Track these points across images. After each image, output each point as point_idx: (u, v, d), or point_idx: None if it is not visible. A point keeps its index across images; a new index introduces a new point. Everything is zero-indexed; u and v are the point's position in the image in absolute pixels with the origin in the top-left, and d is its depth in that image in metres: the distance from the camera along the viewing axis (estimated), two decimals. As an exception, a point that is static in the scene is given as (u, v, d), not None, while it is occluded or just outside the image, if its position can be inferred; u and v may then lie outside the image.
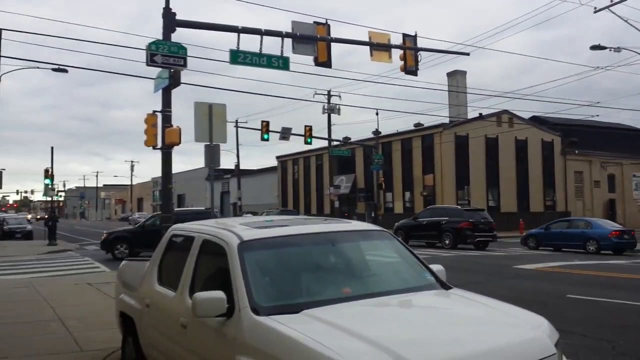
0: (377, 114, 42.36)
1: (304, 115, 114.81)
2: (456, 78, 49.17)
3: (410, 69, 18.52)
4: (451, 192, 44.21)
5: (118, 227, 32.86)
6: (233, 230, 4.66)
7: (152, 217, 24.40)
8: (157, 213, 27.35)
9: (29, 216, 66.02)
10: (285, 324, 3.57)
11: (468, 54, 21.84)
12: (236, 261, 4.25)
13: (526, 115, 47.91)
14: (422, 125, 48.15)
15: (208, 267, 4.90)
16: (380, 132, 45.98)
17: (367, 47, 17.94)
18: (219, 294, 3.99)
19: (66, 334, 8.32)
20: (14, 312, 9.98)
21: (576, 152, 51.44)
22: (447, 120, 46.68)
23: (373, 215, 42.02)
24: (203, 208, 28.38)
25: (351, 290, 4.30)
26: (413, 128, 48.54)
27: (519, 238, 30.39)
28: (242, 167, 58.77)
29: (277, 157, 66.81)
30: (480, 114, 46.09)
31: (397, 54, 18.79)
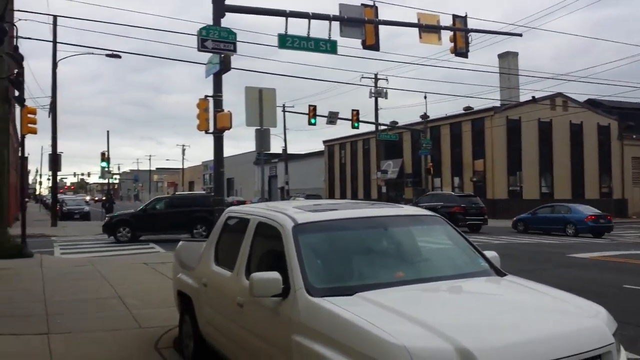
0: (425, 97, 41.86)
1: (351, 99, 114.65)
2: (507, 60, 47.88)
3: (461, 50, 18.16)
4: (502, 178, 43.32)
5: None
6: (287, 213, 4.76)
7: (153, 201, 24.75)
8: (158, 197, 27.75)
9: (88, 198, 68.59)
10: (340, 306, 3.65)
11: (520, 35, 21.24)
12: (291, 243, 4.34)
13: (581, 98, 46.34)
14: (472, 108, 47.18)
15: (263, 248, 5.04)
16: (428, 116, 45.37)
17: (416, 29, 17.70)
18: (275, 275, 4.10)
19: (125, 311, 8.69)
20: (77, 290, 10.49)
21: (634, 136, 49.36)
22: (498, 104, 45.58)
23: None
24: (204, 192, 29.02)
25: (404, 274, 4.34)
26: (463, 112, 47.63)
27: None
28: (289, 151, 59.23)
29: (324, 142, 66.94)
30: (533, 97, 44.76)
31: (446, 35, 18.48)
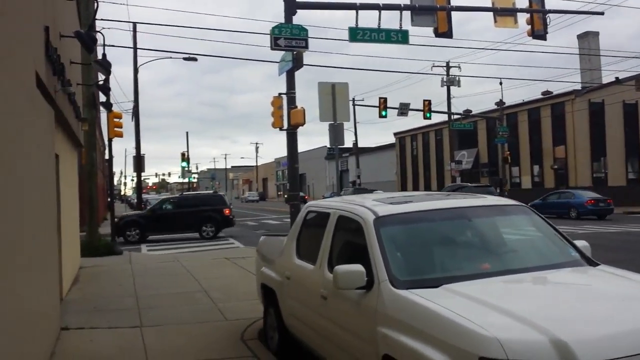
0: (500, 83, 40.38)
1: (422, 89, 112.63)
2: (587, 40, 45.45)
3: (539, 33, 17.42)
4: (585, 165, 41.26)
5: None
6: (368, 206, 4.77)
7: (161, 201, 24.78)
8: (165, 198, 27.65)
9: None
10: (427, 298, 3.62)
11: (602, 13, 20.05)
12: (373, 236, 4.35)
13: (671, 76, 43.13)
14: (551, 93, 45.17)
15: (344, 241, 5.08)
16: (504, 103, 43.85)
17: (490, 13, 17.14)
18: (359, 268, 4.13)
19: (211, 304, 9.02)
20: (165, 284, 10.99)
21: None
22: (578, 87, 43.38)
23: (499, 190, 40.42)
24: (211, 192, 29.13)
25: (490, 266, 4.25)
26: (541, 96, 45.69)
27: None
28: (359, 145, 59.13)
29: (395, 134, 66.31)
30: (617, 78, 42.15)
31: (522, 18, 17.78)
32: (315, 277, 5.16)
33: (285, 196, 70.95)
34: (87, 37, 6.55)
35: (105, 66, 7.69)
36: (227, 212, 23.17)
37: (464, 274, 4.05)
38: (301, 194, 64.00)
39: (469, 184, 33.49)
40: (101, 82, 10.73)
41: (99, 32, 7.03)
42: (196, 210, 22.65)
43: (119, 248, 16.87)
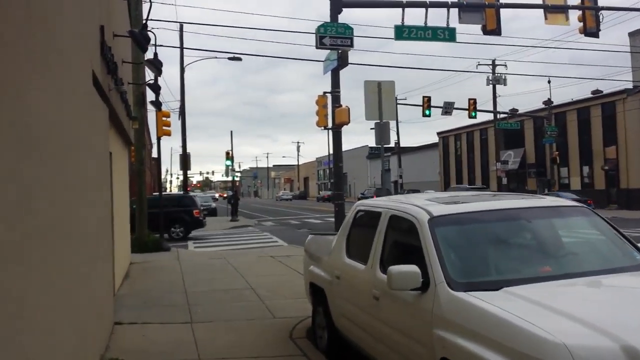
0: (549, 82, 39.37)
1: (466, 88, 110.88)
2: (639, 38, 43.71)
3: (591, 30, 16.86)
4: (638, 166, 39.70)
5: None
6: (421, 206, 4.69)
7: (131, 202, 24.23)
8: (134, 198, 27.24)
9: (217, 195, 73.04)
10: (488, 301, 3.53)
11: (660, 8, 19.27)
12: (428, 237, 4.28)
13: None
14: (602, 92, 43.68)
15: (397, 241, 5.02)
16: (552, 102, 42.67)
17: (540, 10, 16.70)
18: (414, 268, 4.06)
19: (258, 302, 9.09)
20: (213, 281, 11.14)
21: None
22: (630, 85, 41.78)
23: (547, 192, 39.37)
24: (181, 193, 28.62)
25: (551, 269, 4.11)
26: (591, 95, 44.23)
27: None
28: (402, 144, 58.64)
29: (438, 133, 65.45)
30: (673, 76, 40.46)
31: (574, 15, 17.24)
32: (366, 277, 5.11)
33: (317, 195, 71.49)
34: (141, 37, 6.68)
35: (156, 65, 7.84)
36: (196, 213, 22.92)
37: (524, 277, 3.93)
38: (328, 192, 63.90)
39: (467, 185, 35.03)
40: (151, 82, 10.94)
41: (150, 31, 7.16)
42: (165, 212, 21.62)
43: (167, 244, 17.22)
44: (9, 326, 2.55)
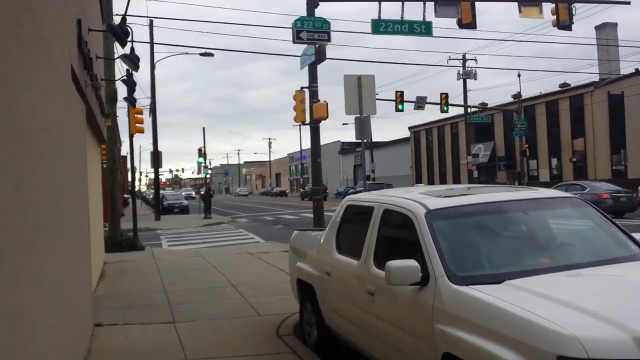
0: (519, 75, 39.97)
1: (436, 82, 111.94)
2: (605, 31, 44.78)
3: (564, 23, 17.11)
4: (605, 157, 40.70)
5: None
6: (417, 200, 4.62)
7: None
8: None
9: (193, 193, 72.53)
10: (492, 295, 3.47)
11: (629, 2, 19.66)
12: (426, 231, 4.21)
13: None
14: (569, 85, 44.61)
15: (391, 236, 4.94)
16: (521, 95, 43.38)
17: (513, 4, 16.86)
18: (413, 263, 3.99)
19: (241, 300, 8.93)
20: (192, 279, 10.93)
21: None
22: (597, 78, 42.76)
23: (517, 184, 40.02)
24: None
25: (550, 261, 4.09)
26: (559, 89, 45.16)
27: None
28: (373, 139, 58.86)
29: (410, 128, 65.96)
30: (637, 69, 41.55)
31: (547, 8, 17.47)
32: (359, 273, 5.03)
33: (301, 191, 71.28)
34: (120, 31, 6.45)
35: (133, 60, 7.60)
36: None
37: (525, 270, 3.90)
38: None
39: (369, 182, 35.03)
40: (124, 78, 10.64)
41: (128, 26, 6.92)
42: None
43: (141, 243, 16.87)
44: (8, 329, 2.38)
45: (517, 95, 42.95)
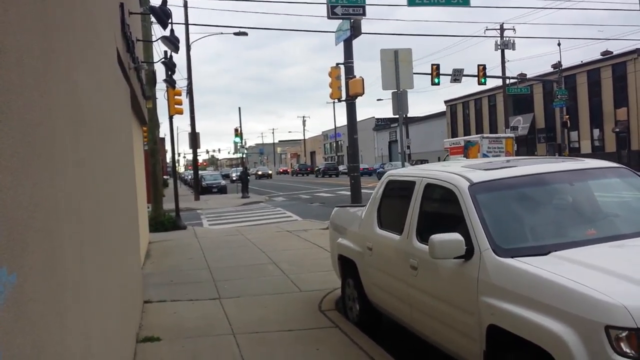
0: (559, 44, 38.82)
1: (472, 55, 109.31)
2: (651, -5, 42.82)
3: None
4: (650, 126, 39.31)
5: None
6: (459, 173, 4.62)
7: None
8: None
9: (233, 174, 72.80)
10: (538, 266, 3.48)
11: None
12: (470, 204, 4.22)
13: None
14: (612, 53, 43.03)
15: (434, 210, 4.97)
16: (561, 65, 42.13)
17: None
18: (457, 237, 4.01)
19: (283, 276, 9.11)
20: (235, 257, 11.18)
21: None
22: (641, 45, 41.12)
23: (557, 156, 39.11)
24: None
25: (597, 231, 4.05)
26: (600, 57, 43.64)
27: None
28: (408, 114, 58.28)
29: (446, 102, 64.95)
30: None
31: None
32: (402, 247, 5.08)
33: (316, 169, 71.43)
34: (162, 12, 6.56)
35: (173, 42, 7.72)
36: None
37: (571, 241, 3.88)
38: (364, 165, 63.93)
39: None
40: (164, 60, 10.82)
41: (168, 8, 7.02)
42: None
43: (183, 223, 17.27)
44: (75, 304, 2.53)
45: (557, 65, 41.69)
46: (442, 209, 4.87)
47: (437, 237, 4.05)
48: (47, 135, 2.09)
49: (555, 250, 3.71)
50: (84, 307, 2.79)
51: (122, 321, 4.67)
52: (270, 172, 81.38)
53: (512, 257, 3.74)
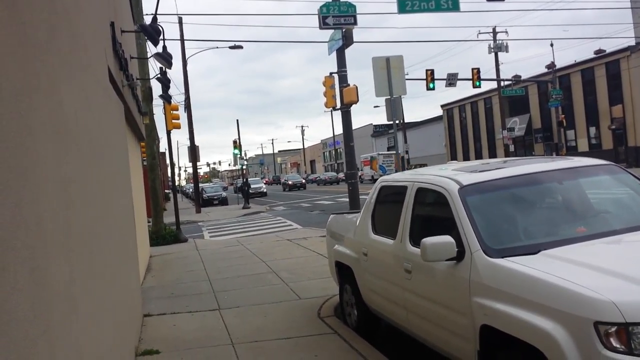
0: (551, 45, 38.96)
1: (465, 59, 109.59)
2: (641, -8, 43.06)
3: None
4: (646, 123, 39.37)
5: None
6: (449, 177, 4.67)
7: None
8: None
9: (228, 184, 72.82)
10: (528, 265, 3.52)
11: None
12: (460, 206, 4.26)
13: None
14: (605, 51, 43.19)
15: (426, 214, 5.01)
16: (555, 65, 42.27)
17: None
18: (448, 239, 4.05)
19: (282, 285, 9.14)
20: (234, 268, 11.20)
21: None
22: (633, 42, 41.25)
23: (554, 155, 39.16)
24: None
25: (586, 229, 4.09)
26: (594, 56, 43.79)
27: None
28: (405, 120, 58.37)
29: (442, 106, 65.12)
30: (677, 29, 39.91)
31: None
32: (396, 251, 5.12)
33: (317, 177, 73.35)
34: (152, 30, 6.63)
35: (166, 58, 7.79)
36: None
37: (561, 239, 3.92)
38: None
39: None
40: (158, 76, 10.90)
41: (159, 25, 7.10)
42: None
43: (184, 236, 17.30)
44: (64, 320, 2.57)
45: (550, 65, 41.86)
46: (433, 213, 4.91)
47: (428, 240, 4.09)
48: (28, 155, 2.13)
49: (546, 249, 3.75)
50: (74, 324, 2.82)
51: (119, 336, 4.70)
52: (303, 180, 64.86)
53: (502, 257, 3.77)
